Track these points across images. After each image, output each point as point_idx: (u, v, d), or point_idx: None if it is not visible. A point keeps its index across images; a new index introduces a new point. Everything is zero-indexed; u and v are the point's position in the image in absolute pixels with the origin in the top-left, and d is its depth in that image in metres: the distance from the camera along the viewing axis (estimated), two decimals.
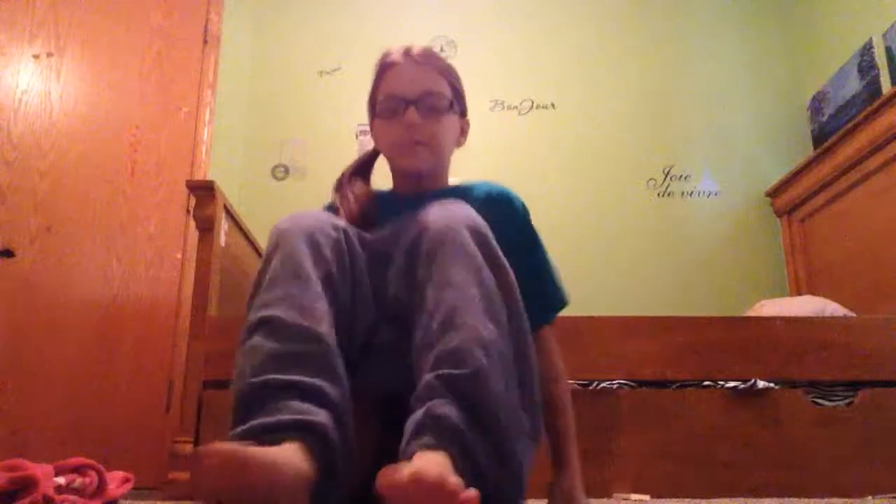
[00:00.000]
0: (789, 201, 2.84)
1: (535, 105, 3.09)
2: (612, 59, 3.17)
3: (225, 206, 1.93)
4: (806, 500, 1.52)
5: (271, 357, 0.78)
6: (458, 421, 0.73)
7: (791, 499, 1.56)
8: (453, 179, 1.23)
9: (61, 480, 1.05)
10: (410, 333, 0.86)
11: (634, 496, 1.61)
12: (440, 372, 0.76)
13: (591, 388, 1.72)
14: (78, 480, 1.08)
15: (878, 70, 2.48)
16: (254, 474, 0.62)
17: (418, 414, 0.74)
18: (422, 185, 1.16)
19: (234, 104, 2.98)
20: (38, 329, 2.01)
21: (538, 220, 1.13)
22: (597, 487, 1.62)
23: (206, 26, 2.65)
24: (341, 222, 0.97)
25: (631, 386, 1.73)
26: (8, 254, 1.96)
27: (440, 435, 0.72)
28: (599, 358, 1.75)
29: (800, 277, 2.77)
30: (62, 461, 1.09)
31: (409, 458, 0.70)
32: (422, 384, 0.77)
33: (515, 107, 3.10)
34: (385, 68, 1.17)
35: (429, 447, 0.71)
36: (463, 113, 1.22)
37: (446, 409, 0.73)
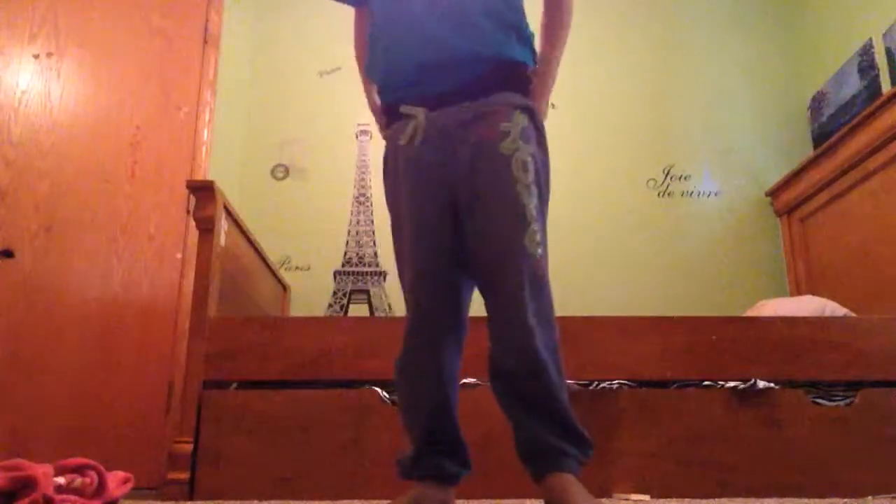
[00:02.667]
0: (789, 201, 2.84)
1: None
2: (612, 60, 3.17)
3: (225, 206, 1.93)
4: (806, 500, 1.52)
5: None
6: None
7: (791, 499, 1.56)
8: None
9: (61, 480, 1.05)
10: None
11: (634, 496, 1.61)
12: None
13: (591, 388, 1.72)
14: (78, 480, 1.08)
15: (878, 70, 2.48)
16: None
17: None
18: None
19: (234, 104, 2.98)
20: (38, 329, 2.01)
21: None
22: (597, 487, 1.62)
23: (206, 26, 2.65)
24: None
25: (631, 386, 1.73)
26: (8, 254, 1.96)
27: None
28: (599, 358, 1.75)
29: (800, 277, 2.77)
30: (62, 461, 1.09)
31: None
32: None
33: None
34: None
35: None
36: None
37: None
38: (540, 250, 1.08)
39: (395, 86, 1.23)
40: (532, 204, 1.09)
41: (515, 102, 1.16)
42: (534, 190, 1.10)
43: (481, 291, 1.13)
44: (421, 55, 1.16)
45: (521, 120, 1.14)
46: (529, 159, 1.11)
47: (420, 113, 1.16)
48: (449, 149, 1.14)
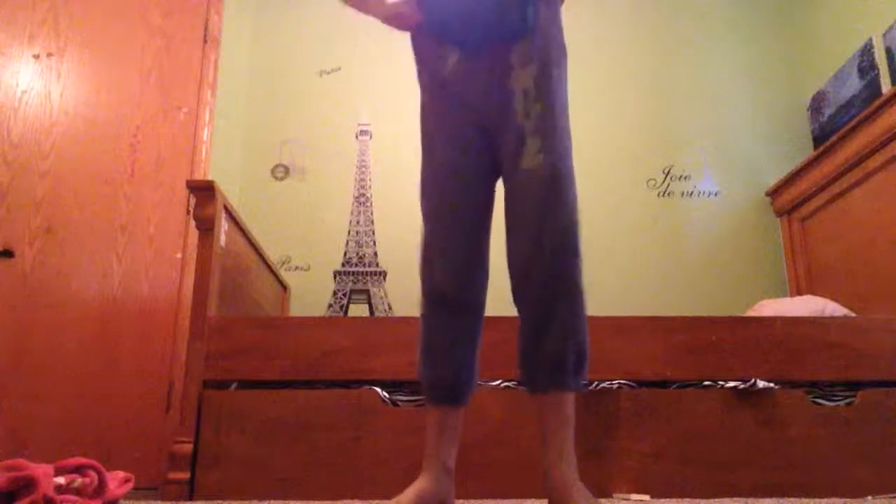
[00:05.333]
0: (789, 201, 2.84)
1: None
2: (612, 60, 3.17)
3: (225, 206, 1.93)
4: (806, 499, 1.52)
5: None
6: None
7: (791, 499, 1.56)
8: None
9: (61, 480, 1.05)
10: None
11: (634, 496, 1.61)
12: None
13: (590, 388, 1.72)
14: (78, 480, 1.08)
15: (878, 70, 2.48)
16: None
17: None
18: None
19: (234, 104, 2.98)
20: (39, 329, 2.01)
21: None
22: (597, 487, 1.62)
23: (206, 26, 2.65)
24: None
25: (631, 386, 1.73)
26: (8, 254, 1.97)
27: None
28: (599, 358, 1.75)
29: (800, 277, 2.77)
30: (62, 461, 1.09)
31: None
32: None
33: None
34: None
35: None
36: None
37: None
38: (541, 157, 1.11)
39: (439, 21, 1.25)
40: (535, 116, 1.12)
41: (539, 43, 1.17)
42: (547, 101, 1.13)
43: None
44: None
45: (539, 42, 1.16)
46: (531, 82, 1.14)
47: (456, 50, 1.20)
48: (473, 89, 1.19)
